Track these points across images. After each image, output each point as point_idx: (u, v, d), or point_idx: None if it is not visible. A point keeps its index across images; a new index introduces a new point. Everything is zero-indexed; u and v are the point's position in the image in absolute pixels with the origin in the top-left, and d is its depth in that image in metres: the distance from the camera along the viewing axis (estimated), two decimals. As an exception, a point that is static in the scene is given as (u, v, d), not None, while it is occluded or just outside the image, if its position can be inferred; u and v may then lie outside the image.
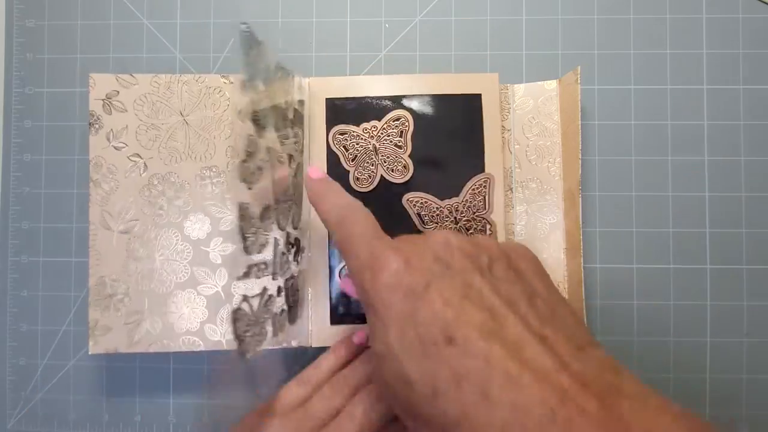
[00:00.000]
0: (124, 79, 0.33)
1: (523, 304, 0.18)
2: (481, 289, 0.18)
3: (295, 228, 0.32)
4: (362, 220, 0.22)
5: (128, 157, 0.32)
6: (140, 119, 0.33)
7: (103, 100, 0.32)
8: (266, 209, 0.28)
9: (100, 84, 0.32)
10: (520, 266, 0.21)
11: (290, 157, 0.31)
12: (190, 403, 0.36)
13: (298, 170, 0.32)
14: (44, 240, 0.37)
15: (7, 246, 0.37)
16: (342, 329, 0.33)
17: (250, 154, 0.27)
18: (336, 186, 0.26)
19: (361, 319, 0.33)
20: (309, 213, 0.33)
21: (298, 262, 0.32)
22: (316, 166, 0.29)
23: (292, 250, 0.31)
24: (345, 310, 0.33)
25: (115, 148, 0.32)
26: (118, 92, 0.32)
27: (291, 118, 0.31)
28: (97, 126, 0.32)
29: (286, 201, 0.30)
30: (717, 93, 0.36)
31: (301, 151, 0.33)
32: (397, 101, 0.33)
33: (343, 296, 0.33)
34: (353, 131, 0.33)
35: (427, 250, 0.20)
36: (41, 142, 0.37)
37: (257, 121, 0.27)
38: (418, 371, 0.17)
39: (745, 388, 0.35)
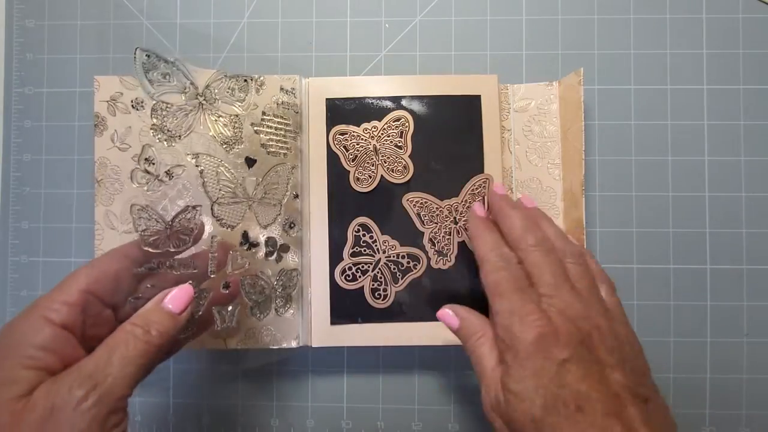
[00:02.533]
0: (127, 81, 0.32)
1: (635, 389, 0.23)
2: (610, 380, 0.23)
3: (265, 227, 0.32)
4: (517, 274, 0.26)
5: (131, 158, 0.32)
6: (142, 120, 0.32)
7: (107, 101, 0.32)
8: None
9: (105, 86, 0.32)
10: (617, 330, 0.25)
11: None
12: (190, 403, 0.36)
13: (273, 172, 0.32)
14: (44, 240, 0.37)
15: (7, 246, 0.37)
16: (341, 329, 0.33)
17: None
18: (498, 233, 0.29)
19: (357, 319, 0.33)
20: (307, 214, 0.33)
21: (277, 261, 0.32)
22: (480, 203, 0.31)
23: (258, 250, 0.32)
24: (344, 311, 0.33)
25: (119, 149, 0.32)
26: (122, 94, 0.32)
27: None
28: (101, 127, 0.32)
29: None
30: (717, 93, 0.36)
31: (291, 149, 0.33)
32: (397, 102, 0.33)
33: (342, 296, 0.33)
34: (353, 131, 0.33)
35: (570, 323, 0.24)
36: (41, 142, 0.37)
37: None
38: (545, 420, 0.22)
39: (745, 388, 0.35)
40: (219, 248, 0.30)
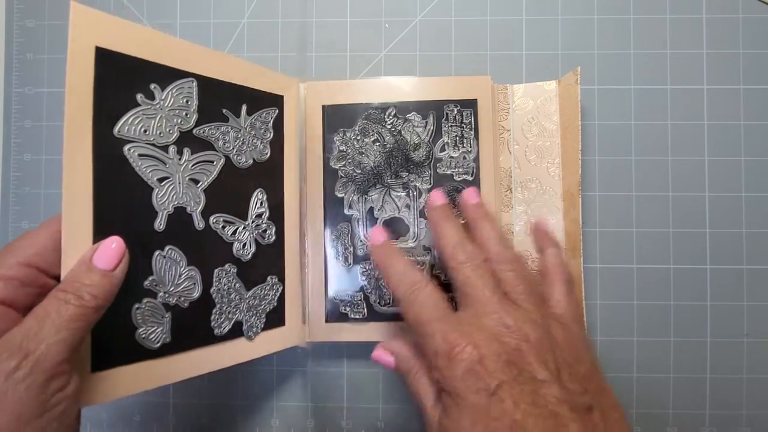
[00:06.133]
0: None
1: (576, 399, 0.22)
2: (546, 397, 0.21)
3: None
4: (429, 302, 0.25)
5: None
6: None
7: None
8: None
9: None
10: (554, 335, 0.24)
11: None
12: (190, 403, 0.36)
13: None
14: (44, 240, 0.37)
15: (7, 246, 0.37)
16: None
17: None
18: (398, 256, 0.27)
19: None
20: (304, 212, 0.33)
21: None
22: (380, 228, 0.29)
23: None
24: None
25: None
26: None
27: None
28: None
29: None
30: (717, 93, 0.36)
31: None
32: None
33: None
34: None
35: (495, 343, 0.23)
36: (41, 142, 0.37)
37: None
38: None
39: (745, 388, 0.35)
40: None
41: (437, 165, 0.33)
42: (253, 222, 0.31)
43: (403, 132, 0.33)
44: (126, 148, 0.24)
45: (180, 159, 0.27)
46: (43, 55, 0.37)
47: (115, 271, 0.23)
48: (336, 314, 0.33)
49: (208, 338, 0.28)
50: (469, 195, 0.29)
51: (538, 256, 0.30)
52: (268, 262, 0.31)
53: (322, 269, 0.33)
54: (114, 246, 0.23)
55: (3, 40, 0.38)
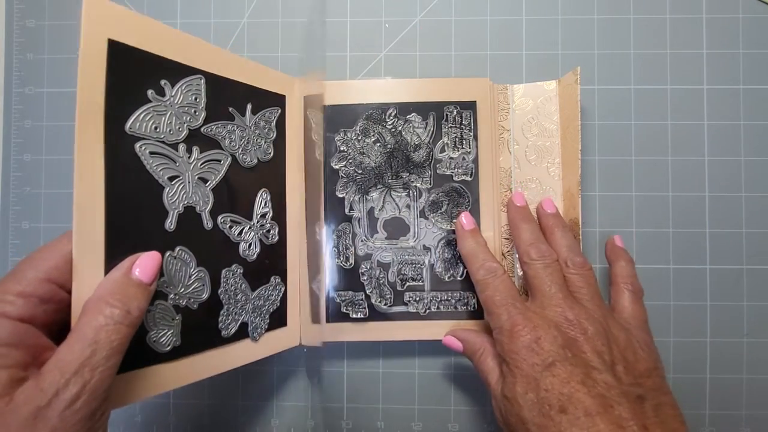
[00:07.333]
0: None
1: (624, 381, 0.24)
2: (596, 381, 0.24)
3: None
4: (502, 288, 0.28)
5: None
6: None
7: None
8: None
9: None
10: (614, 334, 0.26)
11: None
12: (191, 404, 0.36)
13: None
14: (44, 240, 0.37)
15: (7, 246, 0.37)
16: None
17: None
18: (483, 246, 0.31)
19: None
20: (303, 218, 0.33)
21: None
22: (469, 216, 0.32)
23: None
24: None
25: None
26: None
27: None
28: None
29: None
30: (717, 93, 0.36)
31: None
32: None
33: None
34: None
35: (554, 329, 0.26)
36: (41, 142, 0.37)
37: None
38: (533, 421, 0.24)
39: (745, 388, 0.35)
40: None
41: (437, 165, 0.33)
42: (257, 222, 0.30)
43: (403, 133, 0.33)
44: (137, 145, 0.24)
45: (189, 157, 0.26)
46: (43, 55, 0.37)
47: (152, 286, 0.23)
48: (337, 314, 0.33)
49: (216, 340, 0.28)
50: (546, 205, 0.32)
51: (609, 267, 0.32)
52: (271, 262, 0.31)
53: (323, 269, 0.33)
54: (155, 258, 0.23)
55: (3, 40, 0.38)
